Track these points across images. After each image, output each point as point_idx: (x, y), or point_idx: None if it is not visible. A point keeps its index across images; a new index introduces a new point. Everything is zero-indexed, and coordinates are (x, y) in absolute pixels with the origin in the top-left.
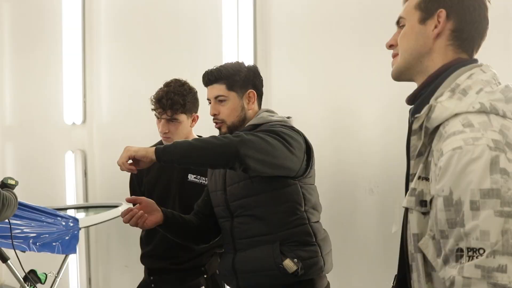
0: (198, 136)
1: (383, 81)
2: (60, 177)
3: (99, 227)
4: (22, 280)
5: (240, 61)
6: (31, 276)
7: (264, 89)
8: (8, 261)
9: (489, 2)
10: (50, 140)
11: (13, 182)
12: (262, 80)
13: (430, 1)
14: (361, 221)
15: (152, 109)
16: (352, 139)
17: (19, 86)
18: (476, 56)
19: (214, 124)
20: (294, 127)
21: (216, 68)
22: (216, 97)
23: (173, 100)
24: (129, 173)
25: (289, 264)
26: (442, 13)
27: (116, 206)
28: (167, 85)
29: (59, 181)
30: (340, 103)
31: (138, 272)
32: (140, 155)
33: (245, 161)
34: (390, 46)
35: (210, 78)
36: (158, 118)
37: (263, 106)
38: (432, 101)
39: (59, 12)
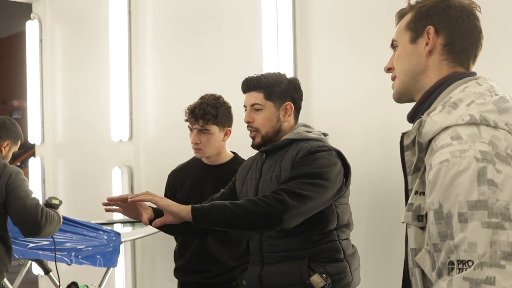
0: (231, 152)
1: None
2: (108, 192)
3: (145, 241)
4: None
5: (282, 72)
6: None
7: (304, 99)
8: (50, 273)
9: (479, 11)
10: (98, 157)
11: (57, 202)
12: (302, 94)
13: (418, 20)
14: (402, 236)
15: (185, 120)
16: (394, 153)
17: (70, 105)
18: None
19: (249, 132)
20: (332, 150)
21: (257, 76)
22: (252, 105)
23: (206, 110)
24: (164, 189)
25: (317, 280)
26: (431, 29)
27: None
28: (201, 97)
29: (107, 196)
30: (382, 115)
31: None
32: (171, 210)
33: (288, 226)
34: (388, 70)
35: (249, 85)
36: (190, 130)
37: (303, 117)
38: (424, 116)
39: (106, 34)
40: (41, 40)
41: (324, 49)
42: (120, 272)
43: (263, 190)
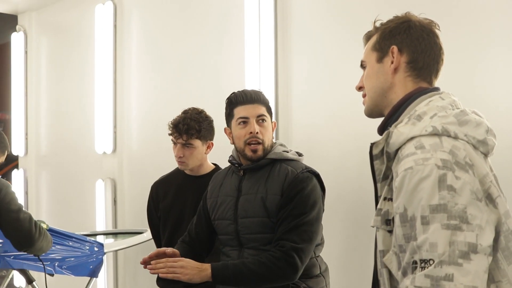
0: (213, 164)
1: None
2: (91, 204)
3: (128, 252)
4: None
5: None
6: None
7: (285, 111)
8: (34, 283)
9: (438, 29)
10: (82, 169)
11: (44, 226)
12: None
13: (383, 41)
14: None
15: (169, 134)
16: (360, 161)
17: (54, 117)
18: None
19: (253, 143)
20: (313, 175)
21: (253, 90)
22: (259, 116)
23: (189, 125)
24: (146, 201)
25: None
26: (394, 49)
27: (141, 233)
28: (184, 112)
29: (90, 208)
30: (359, 127)
31: None
32: (195, 281)
33: None
34: (360, 88)
35: (253, 97)
36: (174, 143)
37: (284, 131)
38: (392, 127)
39: (91, 46)
40: (26, 52)
41: (304, 58)
42: (102, 282)
43: (246, 209)
